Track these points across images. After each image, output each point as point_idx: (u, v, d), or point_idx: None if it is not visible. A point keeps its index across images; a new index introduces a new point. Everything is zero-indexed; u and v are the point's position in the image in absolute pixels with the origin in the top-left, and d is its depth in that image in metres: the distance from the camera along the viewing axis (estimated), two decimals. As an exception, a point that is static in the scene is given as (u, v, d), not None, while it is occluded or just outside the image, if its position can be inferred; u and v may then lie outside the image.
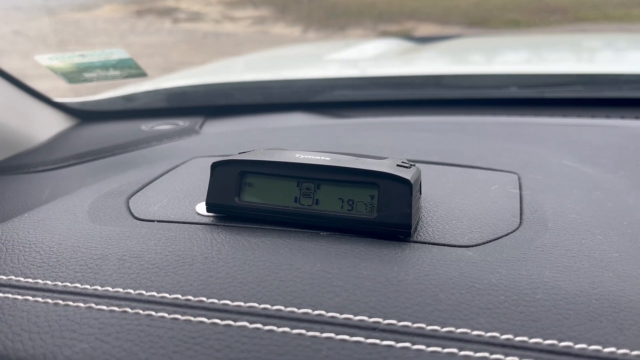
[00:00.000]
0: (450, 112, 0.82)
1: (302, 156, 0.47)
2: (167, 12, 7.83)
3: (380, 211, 0.44)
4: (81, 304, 0.36)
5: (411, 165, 0.47)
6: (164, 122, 0.87)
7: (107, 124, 0.89)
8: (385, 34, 6.06)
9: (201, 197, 0.53)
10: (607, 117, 0.76)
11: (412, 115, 0.82)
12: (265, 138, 0.70)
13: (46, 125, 0.83)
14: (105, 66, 0.78)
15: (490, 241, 0.43)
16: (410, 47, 1.46)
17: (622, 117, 0.76)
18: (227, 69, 1.38)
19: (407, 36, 1.82)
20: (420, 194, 0.48)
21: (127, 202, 0.53)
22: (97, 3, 8.49)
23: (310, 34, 6.47)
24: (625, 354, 0.30)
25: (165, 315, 0.34)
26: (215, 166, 0.48)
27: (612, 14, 6.83)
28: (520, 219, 0.47)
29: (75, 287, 0.38)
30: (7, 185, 0.66)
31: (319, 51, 1.67)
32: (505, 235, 0.44)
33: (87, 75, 0.77)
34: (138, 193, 0.56)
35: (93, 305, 0.35)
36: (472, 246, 0.43)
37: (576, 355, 0.30)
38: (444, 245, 0.43)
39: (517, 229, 0.46)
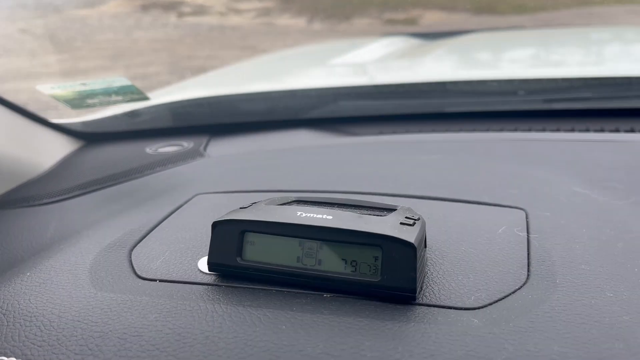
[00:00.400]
0: (457, 124, 0.80)
1: (304, 214, 0.46)
2: (172, 6, 7.82)
3: (384, 274, 0.43)
4: None
5: (415, 221, 0.46)
6: (168, 142, 0.86)
7: (111, 146, 0.88)
8: (391, 22, 6.00)
9: (204, 248, 0.53)
10: (617, 129, 0.73)
11: (419, 127, 0.80)
12: (271, 164, 0.69)
13: (50, 151, 0.82)
14: (107, 92, 0.78)
15: (496, 301, 0.42)
16: (417, 44, 1.43)
17: (633, 129, 0.72)
18: (231, 78, 1.37)
19: (413, 33, 1.79)
20: (426, 246, 0.47)
21: (130, 256, 0.53)
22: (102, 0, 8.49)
23: (315, 24, 6.43)
24: None
25: None
26: (215, 225, 0.47)
27: (621, -4, 6.72)
28: (528, 271, 0.46)
29: None
30: (11, 220, 0.66)
31: (324, 54, 1.64)
32: (513, 293, 0.43)
33: (89, 101, 0.78)
34: (140, 244, 0.55)
35: None
36: (478, 308, 0.42)
37: None
38: (450, 308, 0.42)
39: (524, 284, 0.44)
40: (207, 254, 0.48)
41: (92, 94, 0.78)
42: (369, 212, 0.48)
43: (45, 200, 0.72)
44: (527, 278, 0.45)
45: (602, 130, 0.73)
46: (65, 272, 0.51)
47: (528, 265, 0.46)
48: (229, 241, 0.47)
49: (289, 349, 0.37)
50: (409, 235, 0.42)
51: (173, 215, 0.60)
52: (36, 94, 0.75)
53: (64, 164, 0.82)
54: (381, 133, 0.81)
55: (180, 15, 7.23)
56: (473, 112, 0.83)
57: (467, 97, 0.87)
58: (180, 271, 0.50)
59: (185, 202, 0.63)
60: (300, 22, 6.61)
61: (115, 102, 0.79)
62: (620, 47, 1.21)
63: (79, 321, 0.42)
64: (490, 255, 0.48)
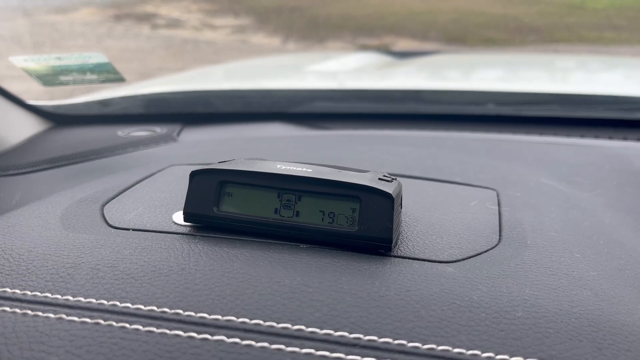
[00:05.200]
0: (429, 127, 0.83)
1: (284, 167, 0.46)
2: (146, 18, 7.76)
3: (361, 225, 0.43)
4: (51, 315, 0.34)
5: (393, 179, 0.47)
6: (140, 128, 0.85)
7: (82, 129, 0.87)
8: (364, 48, 6.11)
9: (178, 206, 0.52)
10: (582, 136, 0.78)
11: (392, 129, 0.82)
12: (245, 148, 0.69)
13: (18, 128, 0.80)
14: (82, 70, 0.76)
15: (470, 257, 0.44)
16: (390, 61, 1.47)
17: (596, 136, 0.77)
18: (207, 77, 1.37)
19: (387, 50, 1.85)
20: (401, 208, 0.48)
21: (102, 210, 0.52)
22: (75, 6, 8.37)
23: (290, 44, 6.48)
24: None
25: (140, 327, 0.33)
26: (194, 175, 0.47)
27: (585, 36, 7.01)
28: (500, 235, 0.47)
29: (46, 296, 0.36)
30: None
31: (298, 62, 1.67)
32: (485, 252, 0.45)
33: (63, 78, 0.75)
34: (113, 200, 0.54)
35: (64, 316, 0.34)
36: (452, 262, 0.43)
37: None
38: (425, 260, 0.43)
39: (496, 245, 0.46)
40: (183, 207, 0.48)
41: (66, 70, 0.75)
42: (347, 171, 0.48)
43: (11, 172, 0.70)
44: (499, 241, 0.46)
45: (568, 136, 0.77)
46: (35, 218, 0.49)
47: (500, 231, 0.48)
48: (207, 191, 0.46)
49: (267, 280, 0.37)
50: (387, 187, 0.43)
51: (147, 179, 0.59)
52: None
53: (32, 142, 0.80)
54: (355, 129, 0.82)
55: (154, 27, 7.18)
56: (446, 116, 0.86)
57: (440, 104, 0.90)
58: (155, 223, 0.49)
59: (160, 171, 0.62)
60: (274, 41, 6.64)
61: (89, 81, 0.76)
62: (584, 73, 1.27)
63: (49, 254, 0.41)
64: (463, 221, 0.49)
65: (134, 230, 0.47)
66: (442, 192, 0.55)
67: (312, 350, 0.32)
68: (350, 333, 0.33)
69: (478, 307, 0.36)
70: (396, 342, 0.32)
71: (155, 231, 0.46)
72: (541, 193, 0.56)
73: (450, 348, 0.32)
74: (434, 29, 7.16)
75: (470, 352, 0.32)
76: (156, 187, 0.56)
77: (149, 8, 8.65)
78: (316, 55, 2.54)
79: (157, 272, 0.38)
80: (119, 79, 0.78)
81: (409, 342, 0.32)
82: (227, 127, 0.85)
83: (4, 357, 0.31)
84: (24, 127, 0.81)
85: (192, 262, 0.40)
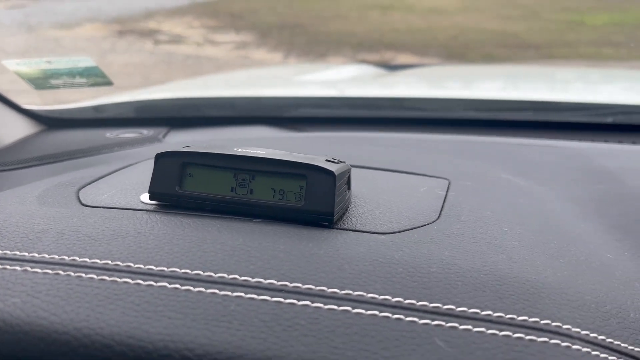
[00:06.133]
0: (404, 130, 0.87)
1: (240, 150, 0.51)
2: (149, 34, 7.85)
3: (307, 200, 0.48)
4: (17, 267, 0.40)
5: (340, 162, 0.51)
6: (128, 131, 0.90)
7: (72, 131, 0.92)
8: (364, 63, 6.17)
9: (147, 189, 0.55)
10: (552, 138, 0.83)
11: (368, 132, 0.86)
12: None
13: (10, 129, 0.85)
14: (71, 73, 0.80)
15: (405, 230, 0.48)
16: (380, 73, 1.52)
17: (565, 139, 0.81)
18: (194, 85, 1.42)
19: (378, 63, 1.90)
20: (349, 189, 0.53)
21: (77, 192, 0.55)
22: (78, 21, 8.48)
23: (291, 60, 6.54)
24: (499, 317, 0.35)
25: (94, 276, 0.38)
26: (158, 157, 0.51)
27: (583, 52, 7.06)
28: (439, 214, 0.51)
29: (14, 254, 0.41)
30: None
31: (288, 73, 1.72)
32: (421, 227, 0.49)
33: (53, 82, 0.79)
34: (89, 185, 0.58)
35: (28, 268, 0.39)
36: (388, 233, 0.47)
37: (457, 316, 0.35)
38: (363, 232, 0.47)
39: (433, 222, 0.50)
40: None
41: (56, 74, 0.79)
42: (298, 154, 0.53)
43: (5, 167, 0.75)
44: (437, 218, 0.51)
45: (539, 138, 0.83)
46: (14, 197, 0.54)
47: (440, 211, 0.52)
48: (170, 172, 0.50)
49: (212, 242, 0.43)
50: (331, 167, 0.48)
51: (125, 168, 0.64)
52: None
53: (23, 142, 0.85)
54: (334, 132, 0.86)
55: (157, 42, 7.25)
56: (423, 120, 0.90)
57: (415, 110, 0.95)
58: (123, 202, 0.53)
59: (137, 162, 0.67)
60: (276, 57, 6.70)
61: (79, 85, 0.80)
62: (559, 83, 1.32)
63: (21, 223, 0.46)
64: (409, 203, 0.53)
65: (103, 208, 0.52)
66: (397, 180, 0.60)
67: (242, 294, 0.37)
68: (278, 281, 0.38)
69: (397, 264, 0.40)
70: (317, 288, 0.37)
71: (122, 208, 0.51)
72: (493, 183, 0.61)
73: (364, 293, 0.36)
74: (434, 45, 7.23)
75: (382, 297, 0.37)
76: (131, 175, 0.61)
77: (152, 24, 8.75)
78: (307, 67, 2.62)
79: (115, 235, 0.43)
80: (107, 83, 0.82)
81: (328, 288, 0.37)
82: (212, 129, 0.89)
83: None
84: (17, 128, 0.85)
85: (147, 228, 0.45)
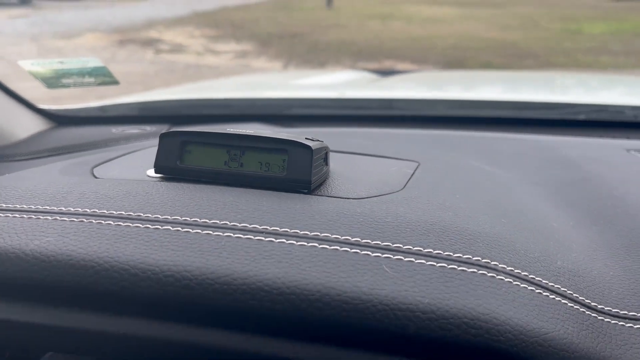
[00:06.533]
0: (388, 127, 0.91)
1: (232, 130, 0.58)
2: (150, 43, 7.90)
3: (288, 171, 0.55)
4: (49, 217, 0.47)
5: (318, 140, 0.58)
6: (133, 127, 0.96)
7: (81, 128, 0.98)
8: (356, 70, 6.19)
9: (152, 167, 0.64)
10: (527, 133, 0.88)
11: (354, 127, 0.91)
12: None
13: (25, 126, 0.91)
14: (81, 73, 0.85)
15: (372, 197, 0.54)
16: (372, 78, 1.57)
17: (539, 133, 0.87)
18: (195, 88, 1.49)
19: (371, 70, 1.95)
20: (327, 165, 0.60)
21: (92, 169, 0.63)
22: (80, 31, 8.55)
23: (291, 68, 6.58)
24: (438, 253, 0.42)
25: (111, 223, 0.46)
26: (162, 136, 0.58)
27: (581, 60, 7.10)
28: (404, 186, 0.58)
29: (45, 208, 0.49)
30: None
31: (285, 77, 1.78)
32: (386, 194, 0.55)
33: (64, 81, 0.85)
34: (101, 165, 0.65)
35: (57, 217, 0.47)
36: (356, 199, 0.54)
37: (402, 252, 0.42)
38: (335, 197, 0.54)
39: (397, 191, 0.56)
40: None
41: (67, 74, 0.85)
42: (282, 133, 0.60)
43: (17, 158, 0.82)
44: (401, 189, 0.57)
45: (515, 133, 0.88)
46: (37, 172, 0.62)
47: (405, 184, 0.58)
48: (172, 149, 0.58)
49: (207, 199, 0.51)
50: (310, 143, 0.55)
51: (132, 153, 0.71)
52: None
53: (36, 137, 0.92)
54: (322, 127, 0.92)
55: (158, 52, 7.29)
56: (407, 117, 0.95)
57: (400, 109, 1.01)
58: (132, 176, 0.60)
59: (144, 149, 0.74)
60: (276, 65, 6.73)
61: (88, 84, 0.85)
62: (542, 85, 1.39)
63: (48, 187, 0.54)
64: (379, 178, 0.60)
65: (116, 179, 0.59)
66: (372, 162, 0.66)
67: (231, 234, 0.44)
68: (260, 225, 0.45)
69: (359, 215, 0.48)
70: (292, 231, 0.44)
71: (131, 179, 0.58)
72: (459, 166, 0.67)
73: (329, 234, 0.44)
74: (433, 54, 7.27)
75: (344, 237, 0.44)
76: (136, 158, 0.69)
77: (153, 33, 8.80)
78: (302, 73, 2.70)
79: (127, 195, 0.51)
80: (114, 82, 0.88)
81: (301, 231, 0.44)
82: (210, 126, 0.93)
83: (13, 238, 0.45)
84: (31, 125, 0.92)
85: (154, 190, 0.52)
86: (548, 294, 0.41)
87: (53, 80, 0.83)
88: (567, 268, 0.45)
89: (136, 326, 0.41)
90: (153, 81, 5.17)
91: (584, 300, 0.42)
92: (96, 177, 0.60)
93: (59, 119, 0.96)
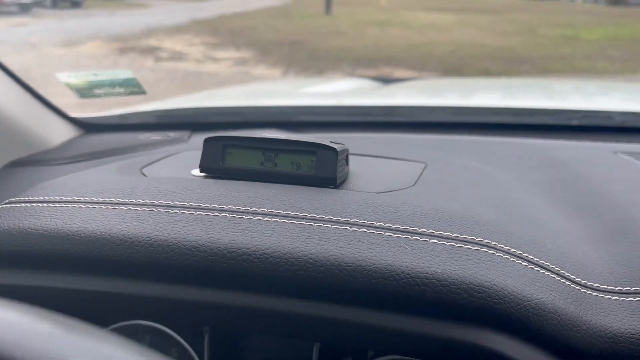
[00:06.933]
0: (394, 132, 0.96)
1: (267, 135, 0.67)
2: (150, 51, 7.94)
3: (316, 170, 0.63)
4: (123, 207, 0.55)
5: (341, 144, 0.66)
6: (156, 134, 1.01)
7: (108, 134, 1.03)
8: (362, 78, 6.22)
9: (194, 168, 0.70)
10: (523, 137, 0.93)
11: (364, 133, 0.96)
12: None
13: (59, 133, 0.96)
14: (112, 84, 0.91)
15: (387, 191, 0.62)
16: (375, 85, 1.62)
17: (535, 137, 0.93)
18: (211, 97, 1.54)
19: (374, 77, 2.00)
20: (347, 164, 0.68)
21: (141, 170, 0.71)
22: (80, 39, 8.59)
23: (290, 76, 6.62)
24: (448, 235, 0.50)
25: (177, 211, 0.54)
26: (207, 140, 0.66)
27: (578, 66, 7.15)
28: (415, 183, 0.65)
29: (118, 200, 0.57)
30: (32, 174, 0.83)
31: (294, 86, 1.82)
32: (399, 190, 0.63)
33: (96, 91, 0.90)
34: (147, 166, 0.73)
35: (131, 207, 0.55)
36: (375, 193, 0.61)
37: (418, 234, 0.50)
38: (357, 191, 0.62)
39: (409, 187, 0.64)
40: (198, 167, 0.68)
41: (100, 85, 0.90)
42: (310, 138, 0.68)
43: (57, 162, 0.87)
44: (412, 185, 0.64)
45: (512, 137, 0.94)
46: (93, 174, 0.70)
47: (416, 181, 0.66)
48: (215, 151, 0.66)
49: (253, 192, 0.58)
50: (335, 146, 0.63)
51: (171, 156, 0.79)
52: None
53: (69, 143, 0.97)
54: (333, 133, 0.97)
55: (158, 59, 7.33)
56: (410, 124, 1.00)
57: (403, 115, 1.08)
58: (180, 175, 0.69)
59: (180, 152, 0.82)
60: (275, 73, 6.77)
61: (117, 94, 0.91)
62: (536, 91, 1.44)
63: (114, 185, 0.62)
64: (392, 177, 0.68)
65: (167, 178, 0.67)
66: (384, 163, 0.75)
67: (277, 219, 0.52)
68: (300, 212, 0.53)
69: (379, 205, 0.55)
70: (327, 217, 0.53)
71: (181, 178, 0.66)
72: (462, 167, 0.75)
73: (357, 220, 0.52)
74: (431, 60, 7.32)
75: (369, 222, 0.51)
76: (178, 159, 0.77)
77: (153, 41, 8.84)
78: (309, 81, 2.76)
79: (184, 189, 0.59)
80: (141, 92, 0.94)
81: (334, 217, 0.52)
82: (227, 132, 0.97)
83: (100, 229, 0.52)
84: (64, 132, 0.98)
85: (205, 185, 0.60)
86: (539, 269, 0.48)
87: (86, 91, 0.89)
88: (555, 250, 0.51)
89: (202, 295, 0.49)
90: (154, 89, 5.20)
91: (569, 276, 0.49)
92: (146, 176, 0.68)
93: (87, 126, 1.02)
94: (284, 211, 0.53)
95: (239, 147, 0.65)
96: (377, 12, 14.34)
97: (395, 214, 0.53)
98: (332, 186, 0.62)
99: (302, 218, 0.52)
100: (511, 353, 0.43)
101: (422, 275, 0.45)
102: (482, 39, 9.71)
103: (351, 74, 6.50)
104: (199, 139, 0.97)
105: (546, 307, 0.44)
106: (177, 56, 7.60)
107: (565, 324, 0.44)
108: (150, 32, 9.83)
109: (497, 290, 0.44)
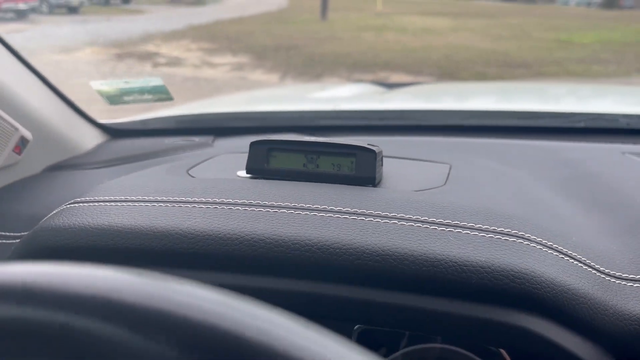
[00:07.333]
0: (411, 135, 0.99)
1: (308, 139, 0.72)
2: (148, 56, 7.97)
3: (357, 170, 0.67)
4: (188, 205, 0.60)
5: (377, 147, 0.70)
6: (181, 139, 1.04)
7: (133, 139, 1.06)
8: (359, 82, 6.25)
9: (238, 169, 0.74)
10: (533, 139, 0.98)
11: (380, 137, 0.98)
12: None
13: (90, 138, 1.00)
14: (142, 91, 0.95)
15: (424, 189, 0.67)
16: (380, 90, 1.66)
17: (544, 139, 0.97)
18: (230, 101, 1.58)
19: (378, 82, 2.05)
20: (382, 165, 0.72)
21: (187, 171, 0.75)
22: (78, 45, 8.61)
23: (287, 80, 6.66)
24: (487, 228, 0.54)
25: (239, 208, 0.59)
26: (252, 144, 0.71)
27: (572, 69, 7.22)
28: (445, 182, 0.69)
29: (181, 199, 0.61)
30: (73, 177, 0.86)
31: (301, 91, 1.86)
32: (432, 188, 0.67)
33: (126, 98, 0.94)
34: (192, 169, 0.78)
35: (195, 205, 0.60)
36: (412, 191, 0.66)
37: (461, 227, 0.55)
38: (395, 190, 0.66)
39: (440, 186, 0.68)
40: (243, 169, 0.71)
41: (130, 92, 0.94)
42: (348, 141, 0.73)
43: (90, 166, 0.91)
44: (443, 184, 0.69)
45: (522, 139, 0.98)
46: (143, 177, 0.74)
47: (445, 180, 0.70)
48: (260, 154, 0.70)
49: (298, 190, 0.63)
50: (373, 148, 0.67)
51: (211, 159, 0.83)
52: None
53: (98, 148, 1.00)
54: (353, 137, 1.00)
55: (155, 65, 7.36)
56: (425, 127, 1.04)
57: (417, 120, 1.11)
58: (227, 176, 0.72)
59: (217, 155, 0.85)
60: (272, 77, 6.80)
61: (145, 100, 0.94)
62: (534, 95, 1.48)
63: (172, 186, 0.66)
64: (422, 176, 0.72)
65: (214, 179, 0.71)
66: (411, 164, 0.79)
67: (331, 215, 0.57)
68: (344, 208, 0.58)
69: (418, 202, 0.60)
70: (376, 212, 0.57)
71: (230, 179, 0.70)
72: (484, 167, 0.80)
73: (404, 215, 0.56)
74: (427, 65, 7.37)
75: (415, 217, 0.56)
76: (217, 163, 0.81)
77: (150, 47, 8.87)
78: (317, 85, 2.81)
79: (238, 188, 0.63)
80: (169, 98, 0.98)
81: (382, 212, 0.57)
82: (249, 137, 1.00)
83: (171, 225, 0.56)
84: (94, 137, 1.02)
85: (256, 185, 0.65)
86: (568, 258, 0.53)
87: (116, 98, 0.93)
88: (580, 243, 0.56)
89: (266, 282, 0.53)
90: (152, 94, 5.22)
91: (594, 265, 0.53)
92: (194, 177, 0.72)
93: (113, 132, 1.06)
94: (335, 207, 0.58)
95: (283, 150, 0.70)
96: (373, 17, 14.40)
97: (437, 209, 0.57)
98: (371, 185, 0.66)
99: (354, 213, 0.57)
100: (548, 334, 0.48)
101: (468, 263, 0.49)
102: (477, 42, 9.78)
103: (348, 79, 6.54)
104: (223, 143, 1.00)
105: (577, 293, 0.49)
106: (175, 61, 7.63)
107: (594, 308, 0.48)
108: (147, 37, 9.86)
109: (535, 277, 0.48)
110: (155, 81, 0.96)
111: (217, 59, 7.85)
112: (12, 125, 0.79)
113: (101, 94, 0.92)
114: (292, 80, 6.68)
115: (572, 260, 0.53)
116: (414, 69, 7.22)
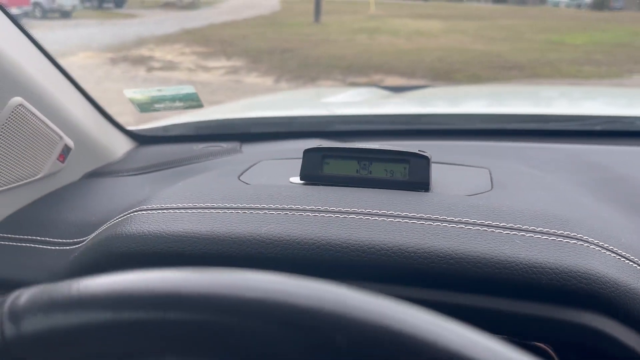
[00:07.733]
0: (434, 140, 1.03)
1: (360, 145, 0.72)
2: (142, 61, 7.96)
3: (410, 176, 0.68)
4: (260, 212, 0.61)
5: (426, 152, 0.72)
6: (209, 144, 1.04)
7: (161, 146, 1.06)
8: (353, 85, 6.28)
9: (288, 177, 0.75)
10: (553, 142, 0.99)
11: (407, 141, 1.00)
12: (296, 154, 0.86)
13: (119, 145, 1.01)
14: (173, 99, 0.95)
15: (475, 194, 0.68)
16: (387, 94, 1.67)
17: (563, 142, 0.99)
18: (254, 106, 1.59)
19: (384, 86, 2.07)
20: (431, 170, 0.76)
21: (239, 176, 0.77)
22: (71, 50, 8.59)
23: (282, 83, 6.66)
24: (547, 230, 0.56)
25: (288, 212, 0.60)
26: (306, 152, 0.72)
27: (565, 71, 7.27)
28: (491, 187, 0.71)
29: (225, 204, 0.63)
30: (109, 184, 0.86)
31: (316, 95, 1.88)
32: (481, 193, 0.69)
33: (156, 105, 0.95)
34: (246, 172, 0.79)
35: (267, 212, 0.61)
36: (466, 195, 0.67)
37: (521, 230, 0.56)
38: (449, 195, 0.67)
39: (488, 191, 0.70)
40: (293, 176, 0.73)
41: (161, 99, 0.94)
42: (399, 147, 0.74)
43: (126, 173, 0.91)
44: (490, 189, 0.70)
45: (542, 142, 1.00)
46: (197, 180, 0.76)
47: (491, 185, 0.72)
48: (314, 161, 0.72)
49: (350, 195, 0.64)
50: (425, 154, 0.69)
51: (254, 166, 0.83)
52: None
53: (128, 155, 1.00)
54: (384, 140, 1.02)
55: (150, 69, 7.35)
56: (442, 131, 1.06)
57: (437, 124, 1.10)
58: (280, 182, 0.73)
59: (257, 162, 0.85)
60: (267, 81, 6.80)
61: (176, 108, 0.95)
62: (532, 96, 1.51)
63: (222, 193, 0.67)
64: (467, 180, 0.74)
65: (267, 185, 0.72)
66: (450, 168, 0.81)
67: (400, 220, 0.58)
68: (395, 212, 0.59)
69: (478, 206, 0.61)
70: (441, 217, 0.58)
71: (285, 185, 0.72)
72: (521, 172, 0.82)
73: (469, 219, 0.58)
74: (421, 67, 7.40)
75: (479, 221, 0.58)
76: (265, 168, 0.82)
77: (144, 51, 8.85)
78: (328, 90, 2.86)
79: (304, 195, 0.65)
80: (199, 105, 0.98)
81: (440, 215, 0.59)
82: (275, 142, 1.02)
83: (247, 230, 0.57)
84: (123, 144, 1.02)
85: (318, 191, 0.66)
86: (624, 260, 0.55)
87: (147, 106, 0.93)
88: (628, 244, 0.58)
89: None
90: (148, 98, 5.21)
91: None
92: (248, 184, 0.73)
93: (140, 139, 1.06)
94: (402, 212, 0.59)
95: (336, 157, 0.71)
96: (366, 20, 14.44)
97: (497, 213, 0.59)
98: (424, 190, 0.67)
99: (421, 218, 0.58)
100: (613, 332, 0.50)
101: (537, 265, 0.51)
102: (470, 44, 9.83)
103: (343, 82, 6.56)
104: (250, 149, 1.00)
105: (637, 292, 0.51)
106: (169, 65, 7.62)
107: None
108: (140, 42, 9.84)
109: (600, 277, 0.50)
110: (187, 89, 0.96)
111: (211, 63, 7.84)
112: (57, 134, 0.80)
113: (133, 101, 0.92)
114: (286, 83, 6.69)
115: (627, 261, 0.55)
116: (407, 72, 7.25)
